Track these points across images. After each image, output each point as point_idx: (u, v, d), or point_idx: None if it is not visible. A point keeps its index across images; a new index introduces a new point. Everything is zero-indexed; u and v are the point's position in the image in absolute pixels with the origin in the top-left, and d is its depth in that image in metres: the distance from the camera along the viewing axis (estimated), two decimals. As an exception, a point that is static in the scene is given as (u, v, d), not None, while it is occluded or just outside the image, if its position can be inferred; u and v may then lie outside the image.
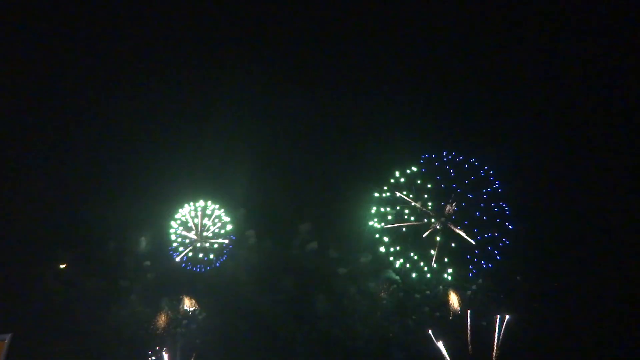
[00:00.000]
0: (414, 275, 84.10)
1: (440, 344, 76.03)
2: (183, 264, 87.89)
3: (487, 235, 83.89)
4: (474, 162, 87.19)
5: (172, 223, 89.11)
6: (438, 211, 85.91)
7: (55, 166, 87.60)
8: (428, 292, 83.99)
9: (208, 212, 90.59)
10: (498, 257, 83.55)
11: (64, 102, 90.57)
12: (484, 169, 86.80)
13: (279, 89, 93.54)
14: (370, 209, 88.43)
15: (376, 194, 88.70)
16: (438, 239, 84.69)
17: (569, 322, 75.43)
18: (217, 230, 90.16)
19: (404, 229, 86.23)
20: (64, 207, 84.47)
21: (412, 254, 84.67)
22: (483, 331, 77.47)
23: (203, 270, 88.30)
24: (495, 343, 76.20)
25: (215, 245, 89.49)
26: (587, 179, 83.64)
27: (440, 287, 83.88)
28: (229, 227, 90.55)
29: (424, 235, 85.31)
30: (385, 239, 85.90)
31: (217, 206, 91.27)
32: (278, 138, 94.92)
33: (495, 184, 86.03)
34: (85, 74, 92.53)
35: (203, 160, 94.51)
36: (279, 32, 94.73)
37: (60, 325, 74.32)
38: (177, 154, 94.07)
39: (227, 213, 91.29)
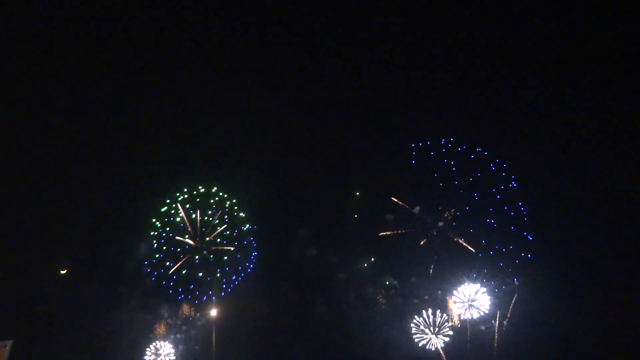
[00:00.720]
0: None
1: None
2: (170, 290, 63.66)
3: (498, 247, 67.32)
4: (481, 152, 70.08)
5: (156, 221, 65.10)
6: (435, 215, 69.75)
7: (56, 169, 78.60)
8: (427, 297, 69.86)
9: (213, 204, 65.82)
10: (515, 280, 66.67)
11: (65, 104, 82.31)
12: (494, 162, 69.44)
13: (276, 90, 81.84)
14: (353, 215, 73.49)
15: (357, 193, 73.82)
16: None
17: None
18: (227, 232, 64.01)
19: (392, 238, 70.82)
20: (65, 212, 75.54)
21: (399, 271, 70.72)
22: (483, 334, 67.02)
23: (205, 299, 64.03)
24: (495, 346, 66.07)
25: (225, 257, 63.37)
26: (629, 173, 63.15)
27: (439, 291, 69.45)
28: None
29: (419, 245, 69.82)
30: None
31: (224, 194, 65.33)
32: (276, 141, 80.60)
33: (511, 181, 68.95)
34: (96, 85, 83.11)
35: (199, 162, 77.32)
36: (280, 31, 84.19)
37: (62, 331, 69.89)
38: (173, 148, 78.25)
39: (241, 207, 66.19)
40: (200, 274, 64.73)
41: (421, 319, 66.32)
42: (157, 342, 66.63)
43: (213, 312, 66.02)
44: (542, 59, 67.67)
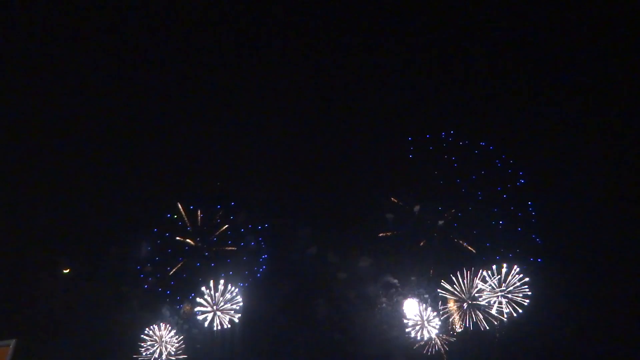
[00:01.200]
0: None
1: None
2: (168, 299, 60.32)
3: (504, 250, 62.26)
4: (485, 147, 64.79)
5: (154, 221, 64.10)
6: (433, 216, 65.31)
7: (59, 169, 77.09)
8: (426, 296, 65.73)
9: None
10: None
11: (65, 103, 79.65)
12: (500, 158, 64.03)
13: (276, 88, 77.46)
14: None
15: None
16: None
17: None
18: (229, 232, 59.21)
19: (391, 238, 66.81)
20: (67, 211, 74.92)
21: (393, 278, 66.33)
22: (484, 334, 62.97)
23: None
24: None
25: (228, 260, 58.69)
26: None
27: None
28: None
29: (413, 249, 66.20)
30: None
31: (227, 193, 63.82)
32: (275, 139, 76.30)
33: (518, 179, 63.60)
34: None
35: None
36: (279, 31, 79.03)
37: (65, 330, 70.11)
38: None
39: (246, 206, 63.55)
40: (201, 279, 61.30)
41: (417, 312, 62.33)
42: (160, 325, 64.67)
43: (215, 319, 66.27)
44: (552, 44, 60.41)
